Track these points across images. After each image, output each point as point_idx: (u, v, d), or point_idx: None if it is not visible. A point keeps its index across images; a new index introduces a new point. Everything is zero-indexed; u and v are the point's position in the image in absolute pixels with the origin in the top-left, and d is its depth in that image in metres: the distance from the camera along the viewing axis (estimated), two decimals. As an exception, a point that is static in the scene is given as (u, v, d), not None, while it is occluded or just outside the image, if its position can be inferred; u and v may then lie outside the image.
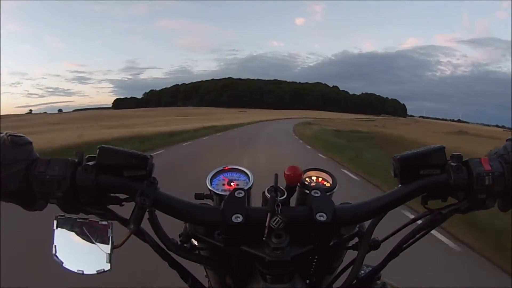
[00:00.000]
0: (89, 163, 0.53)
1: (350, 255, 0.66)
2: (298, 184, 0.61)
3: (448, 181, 0.55)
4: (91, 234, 0.53)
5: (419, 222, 0.61)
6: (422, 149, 0.57)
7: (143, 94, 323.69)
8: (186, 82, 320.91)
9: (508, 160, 0.55)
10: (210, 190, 0.63)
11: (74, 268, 0.53)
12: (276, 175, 0.56)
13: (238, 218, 0.51)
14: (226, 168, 0.68)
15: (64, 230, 0.53)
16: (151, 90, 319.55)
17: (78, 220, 0.53)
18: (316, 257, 0.63)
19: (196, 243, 0.63)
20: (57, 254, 0.53)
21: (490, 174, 0.53)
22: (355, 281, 0.61)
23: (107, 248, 0.53)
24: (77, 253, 0.54)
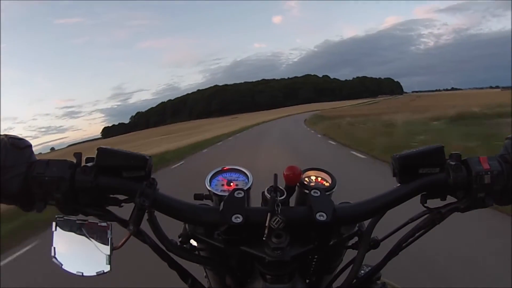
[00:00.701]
0: (88, 164, 0.53)
1: (349, 255, 0.66)
2: (298, 184, 0.61)
3: (447, 180, 0.55)
4: (90, 235, 0.53)
5: (419, 221, 0.61)
6: (421, 148, 0.57)
7: (130, 118, 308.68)
8: (172, 98, 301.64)
9: (507, 159, 0.55)
10: (209, 190, 0.63)
11: (73, 270, 0.53)
12: (276, 175, 0.56)
13: (238, 219, 0.51)
14: (225, 168, 0.68)
15: (63, 231, 0.53)
16: (138, 113, 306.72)
17: (77, 221, 0.53)
18: (316, 256, 0.63)
19: (195, 243, 0.63)
20: (56, 256, 0.53)
21: (489, 173, 0.54)
22: (354, 280, 0.61)
23: (106, 249, 0.53)
24: (76, 254, 0.54)
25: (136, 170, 0.53)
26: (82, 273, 0.53)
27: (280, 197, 0.55)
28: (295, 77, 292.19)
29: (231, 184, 0.65)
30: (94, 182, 0.51)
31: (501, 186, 0.54)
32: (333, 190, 0.64)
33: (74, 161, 0.53)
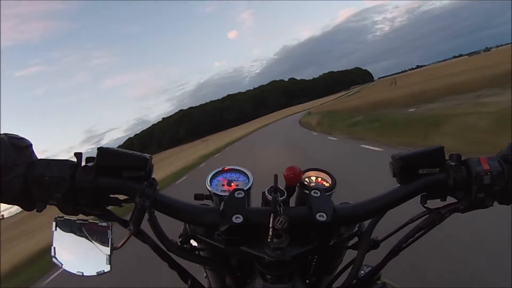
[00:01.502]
0: (89, 164, 0.53)
1: (349, 255, 0.66)
2: (298, 184, 0.61)
3: (447, 180, 0.55)
4: (90, 235, 0.53)
5: (419, 221, 0.61)
6: (421, 148, 0.57)
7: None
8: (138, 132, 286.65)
9: (508, 160, 0.55)
10: (209, 190, 0.63)
11: (73, 270, 0.53)
12: (276, 175, 0.56)
13: (238, 219, 0.50)
14: (226, 168, 0.68)
15: (63, 231, 0.53)
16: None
17: (77, 221, 0.53)
18: (316, 257, 0.63)
19: (195, 243, 0.63)
20: (56, 255, 0.53)
21: (489, 173, 0.54)
22: (354, 281, 0.62)
23: (106, 249, 0.53)
24: (76, 254, 0.54)
25: (136, 170, 0.53)
26: (82, 273, 0.53)
27: (280, 197, 0.55)
28: (261, 85, 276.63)
29: (232, 184, 0.65)
30: (95, 182, 0.51)
31: (501, 187, 0.54)
32: (333, 190, 0.64)
33: (75, 161, 0.53)
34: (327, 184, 0.66)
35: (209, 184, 0.65)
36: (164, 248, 0.59)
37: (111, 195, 0.55)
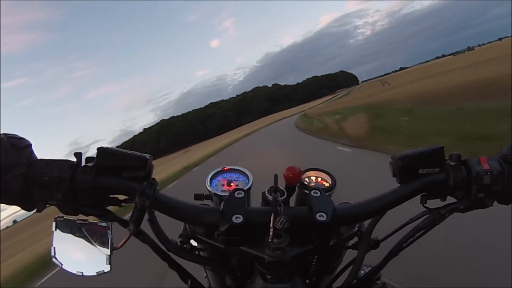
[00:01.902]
0: (88, 164, 0.53)
1: (349, 255, 0.66)
2: (298, 184, 0.61)
3: (447, 180, 0.55)
4: (90, 235, 0.53)
5: (419, 221, 0.61)
6: (421, 148, 0.57)
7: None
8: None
9: (508, 160, 0.55)
10: (209, 191, 0.63)
11: (73, 270, 0.53)
12: (276, 175, 0.56)
13: (238, 219, 0.50)
14: (225, 168, 0.68)
15: (63, 231, 0.53)
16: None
17: (77, 221, 0.53)
18: (316, 257, 0.64)
19: (195, 243, 0.63)
20: (56, 255, 0.53)
21: (488, 173, 0.54)
22: (354, 281, 0.62)
23: (106, 249, 0.53)
24: (76, 254, 0.54)
25: (136, 170, 0.53)
26: (82, 273, 0.53)
27: (280, 197, 0.55)
28: (244, 92, 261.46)
29: (231, 184, 0.65)
30: (94, 182, 0.51)
31: (500, 187, 0.54)
32: (333, 190, 0.64)
33: (75, 161, 0.53)
34: (327, 184, 0.66)
35: (209, 184, 0.65)
36: (164, 248, 0.59)
37: (111, 195, 0.55)
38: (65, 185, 0.50)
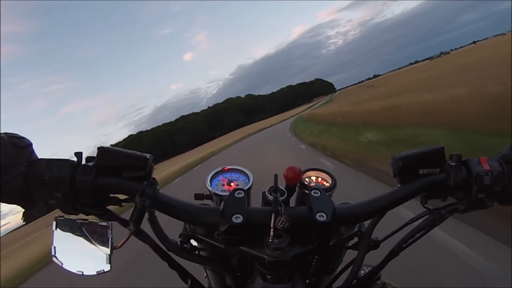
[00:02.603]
0: (89, 163, 0.53)
1: (350, 255, 0.66)
2: (298, 184, 0.62)
3: (447, 180, 0.55)
4: (90, 235, 0.53)
5: (419, 222, 0.62)
6: (421, 148, 0.57)
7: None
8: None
9: (509, 160, 0.55)
10: (209, 190, 0.64)
11: (73, 269, 0.53)
12: (276, 175, 0.56)
13: (238, 219, 0.50)
14: (226, 168, 0.68)
15: (63, 231, 0.53)
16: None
17: (77, 221, 0.53)
18: (316, 257, 0.63)
19: (196, 243, 0.63)
20: (56, 255, 0.53)
21: (489, 173, 0.54)
22: (355, 281, 0.62)
23: (106, 249, 0.53)
24: (76, 254, 0.53)
25: (136, 170, 0.53)
26: (82, 272, 0.53)
27: (280, 197, 0.55)
28: (216, 104, 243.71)
29: (232, 184, 0.65)
30: (95, 182, 0.51)
31: (501, 187, 0.54)
32: (333, 190, 0.64)
33: (75, 160, 0.53)
34: (327, 184, 0.66)
35: (209, 184, 0.65)
36: (164, 248, 0.59)
37: (111, 195, 0.55)
38: (65, 184, 0.50)
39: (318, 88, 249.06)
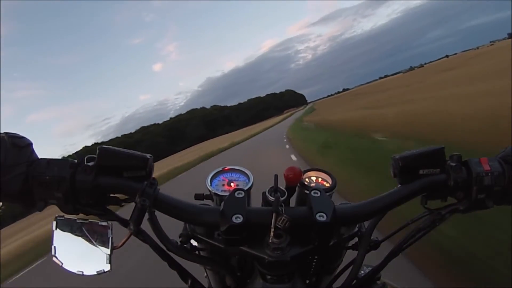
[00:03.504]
0: (89, 163, 0.53)
1: (350, 255, 0.66)
2: (298, 184, 0.62)
3: (447, 181, 0.55)
4: (90, 234, 0.53)
5: (419, 222, 0.62)
6: (421, 149, 0.57)
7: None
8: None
9: (509, 161, 0.55)
10: (210, 190, 0.64)
11: (74, 269, 0.53)
12: (276, 175, 0.57)
13: (238, 219, 0.51)
14: (226, 168, 0.68)
15: (63, 231, 0.54)
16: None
17: (77, 221, 0.53)
18: (316, 257, 0.63)
19: (196, 243, 0.63)
20: (56, 254, 0.53)
21: (489, 174, 0.54)
22: (355, 281, 0.61)
23: (107, 249, 0.53)
24: (76, 253, 0.53)
25: (136, 170, 0.53)
26: (83, 272, 0.53)
27: (281, 197, 0.55)
28: (179, 115, 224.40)
29: (232, 184, 0.65)
30: (95, 182, 0.51)
31: (501, 187, 0.54)
32: (334, 190, 0.64)
33: (75, 160, 0.53)
34: (327, 185, 0.66)
35: (209, 184, 0.65)
36: (164, 248, 0.59)
37: (112, 195, 0.55)
38: (66, 184, 0.50)
39: (289, 99, 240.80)
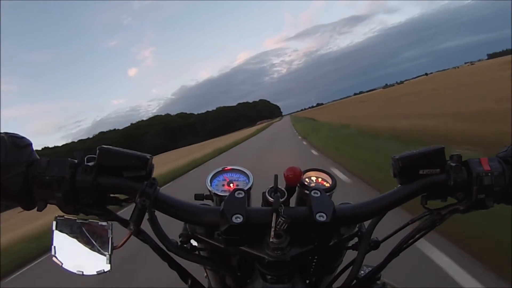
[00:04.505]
0: (89, 163, 0.52)
1: (350, 255, 0.66)
2: (298, 184, 0.61)
3: (447, 181, 0.55)
4: (91, 235, 0.53)
5: (419, 222, 0.62)
6: (421, 149, 0.57)
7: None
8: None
9: (509, 161, 0.55)
10: (210, 190, 0.64)
11: (74, 269, 0.53)
12: (276, 175, 0.57)
13: (238, 219, 0.50)
14: (226, 168, 0.68)
15: (63, 231, 0.53)
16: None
17: (77, 221, 0.53)
18: (316, 257, 0.63)
19: (196, 243, 0.63)
20: (56, 254, 0.53)
21: (489, 174, 0.54)
22: (355, 281, 0.62)
23: (107, 248, 0.53)
24: (76, 253, 0.53)
25: (137, 170, 0.53)
26: (83, 272, 0.53)
27: (281, 198, 0.55)
28: (141, 121, 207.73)
29: (232, 184, 0.65)
30: (95, 182, 0.51)
31: (501, 187, 0.54)
32: (334, 190, 0.64)
33: (75, 160, 0.53)
34: (327, 185, 0.66)
35: (209, 184, 0.65)
36: (164, 248, 0.59)
37: (112, 195, 0.55)
38: (66, 184, 0.50)
39: (263, 110, 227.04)
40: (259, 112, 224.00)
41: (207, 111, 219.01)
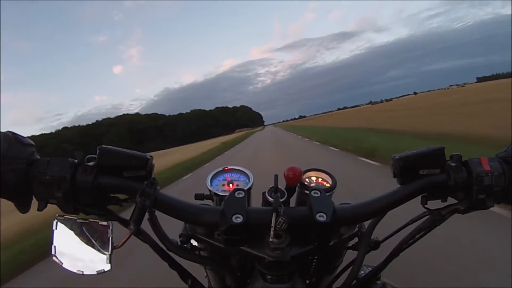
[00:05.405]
0: (89, 163, 0.53)
1: (350, 255, 0.66)
2: (298, 184, 0.62)
3: (447, 181, 0.55)
4: (91, 234, 0.53)
5: (419, 222, 0.62)
6: (421, 149, 0.57)
7: None
8: None
9: (509, 161, 0.55)
10: (210, 190, 0.64)
11: (74, 269, 0.53)
12: (276, 175, 0.57)
13: (238, 219, 0.50)
14: (226, 168, 0.68)
15: (63, 230, 0.54)
16: None
17: (78, 220, 0.54)
18: (316, 257, 0.64)
19: (196, 243, 0.63)
20: (56, 254, 0.53)
21: (489, 174, 0.54)
22: (355, 281, 0.62)
23: (107, 248, 0.53)
24: (77, 253, 0.53)
25: (137, 170, 0.53)
26: (83, 272, 0.53)
27: (281, 197, 0.56)
28: (107, 118, 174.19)
29: (232, 184, 0.65)
30: (95, 182, 0.51)
31: (501, 188, 0.54)
32: (334, 190, 0.64)
33: (76, 160, 0.53)
34: (327, 185, 0.66)
35: (209, 184, 0.65)
36: (164, 248, 0.58)
37: (112, 195, 0.55)
38: (66, 184, 0.50)
39: (243, 117, 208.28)
40: (238, 119, 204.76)
41: (180, 113, 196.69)
